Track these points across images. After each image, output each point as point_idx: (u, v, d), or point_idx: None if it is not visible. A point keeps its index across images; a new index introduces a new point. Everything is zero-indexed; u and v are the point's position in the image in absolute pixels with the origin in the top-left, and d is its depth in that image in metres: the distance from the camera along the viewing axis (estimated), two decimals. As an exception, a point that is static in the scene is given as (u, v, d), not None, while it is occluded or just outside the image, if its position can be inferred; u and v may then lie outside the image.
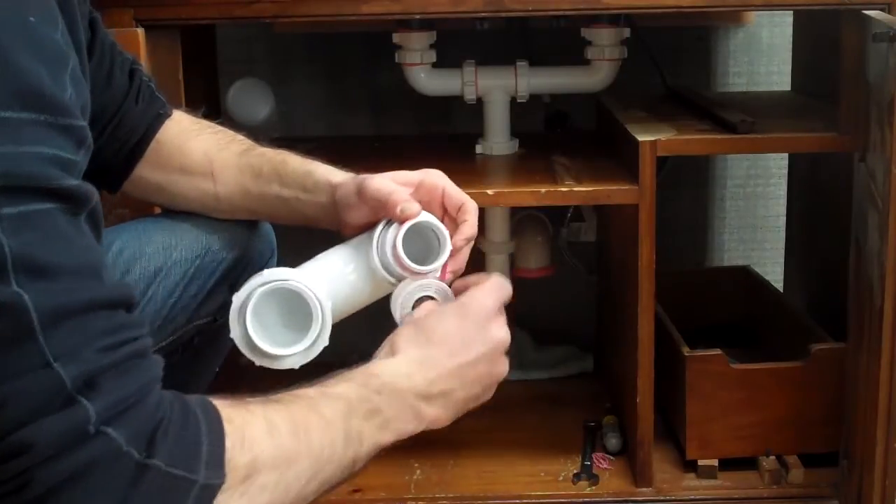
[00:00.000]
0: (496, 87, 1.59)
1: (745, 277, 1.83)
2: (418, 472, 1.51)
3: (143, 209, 1.17)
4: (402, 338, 0.84)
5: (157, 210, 1.12)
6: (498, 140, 1.61)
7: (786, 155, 1.89)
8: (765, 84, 1.92)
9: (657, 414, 1.46)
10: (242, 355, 0.87)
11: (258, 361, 0.87)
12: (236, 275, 1.05)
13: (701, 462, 1.47)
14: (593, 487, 1.47)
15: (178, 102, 1.32)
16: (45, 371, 0.59)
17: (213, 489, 0.64)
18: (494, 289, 0.88)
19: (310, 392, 0.75)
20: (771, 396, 1.45)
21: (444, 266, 0.92)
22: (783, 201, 1.92)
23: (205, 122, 1.10)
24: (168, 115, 1.06)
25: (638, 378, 1.41)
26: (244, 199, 1.04)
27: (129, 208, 1.22)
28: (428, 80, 1.59)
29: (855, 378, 1.34)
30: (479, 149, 1.62)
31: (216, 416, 0.67)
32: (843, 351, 1.40)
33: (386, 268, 0.91)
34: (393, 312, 0.92)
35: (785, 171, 1.91)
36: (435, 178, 0.96)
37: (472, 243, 0.96)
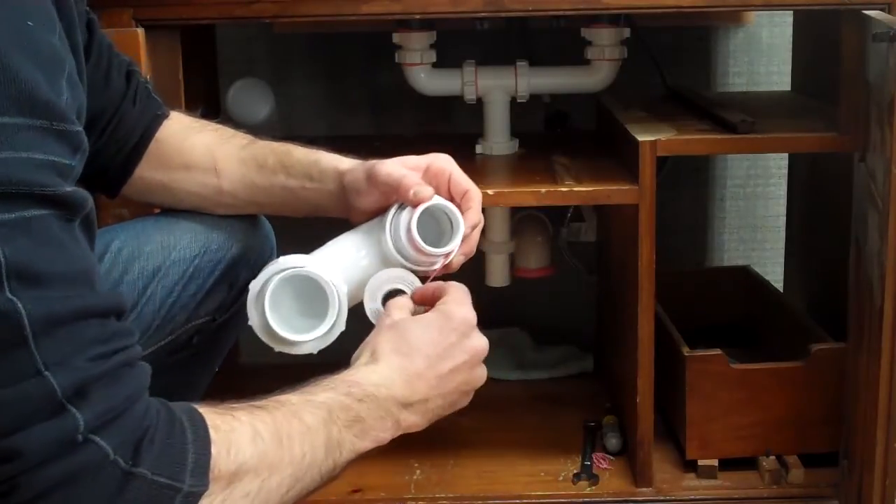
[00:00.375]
0: (496, 87, 1.59)
1: (745, 277, 1.82)
2: (418, 472, 1.51)
3: (143, 209, 1.16)
4: (383, 344, 0.84)
5: (157, 211, 1.12)
6: (498, 140, 1.61)
7: (786, 155, 1.89)
8: (765, 84, 1.92)
9: (657, 414, 1.45)
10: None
11: (277, 347, 0.88)
12: (235, 274, 1.05)
13: (701, 462, 1.47)
14: (593, 487, 1.47)
15: (177, 102, 1.32)
16: (37, 379, 0.59)
17: (196, 496, 0.65)
18: (467, 297, 0.89)
19: (293, 399, 0.76)
20: (771, 396, 1.45)
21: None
22: (783, 201, 1.92)
23: (204, 121, 1.10)
24: (165, 116, 1.05)
25: (638, 378, 1.41)
26: (249, 191, 1.04)
27: (129, 208, 1.22)
28: (428, 80, 1.59)
29: (855, 378, 1.34)
30: (479, 149, 1.62)
31: (202, 423, 0.67)
32: (843, 351, 1.40)
33: (400, 251, 0.91)
34: (364, 302, 0.92)
35: (785, 171, 1.91)
36: (443, 162, 0.97)
37: (480, 229, 0.97)
